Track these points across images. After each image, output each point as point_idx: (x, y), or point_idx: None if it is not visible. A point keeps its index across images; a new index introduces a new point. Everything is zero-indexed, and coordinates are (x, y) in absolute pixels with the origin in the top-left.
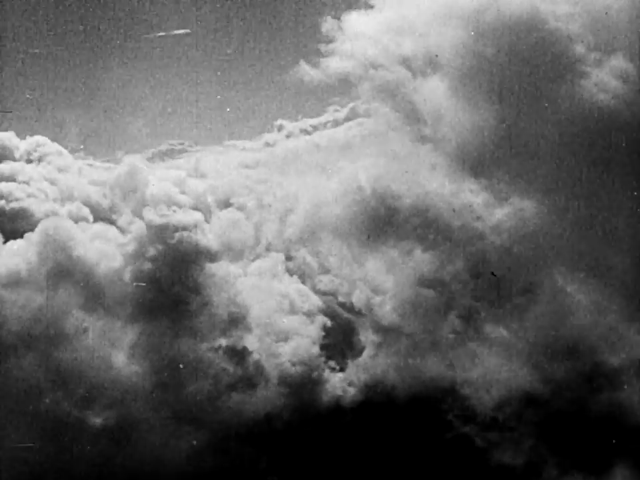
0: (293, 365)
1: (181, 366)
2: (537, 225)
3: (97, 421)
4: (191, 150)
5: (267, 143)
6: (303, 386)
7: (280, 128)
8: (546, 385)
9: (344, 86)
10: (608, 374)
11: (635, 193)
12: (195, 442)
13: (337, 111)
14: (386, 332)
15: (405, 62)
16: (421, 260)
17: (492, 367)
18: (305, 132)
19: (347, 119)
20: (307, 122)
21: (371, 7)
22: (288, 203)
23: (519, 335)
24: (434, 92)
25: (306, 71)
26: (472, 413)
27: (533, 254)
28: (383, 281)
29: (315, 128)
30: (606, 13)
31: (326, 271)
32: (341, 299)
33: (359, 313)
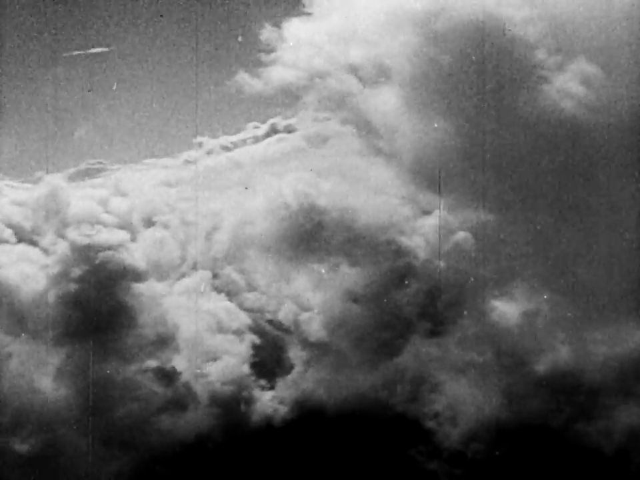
0: (223, 384)
1: (108, 389)
2: (477, 238)
3: (23, 447)
4: (110, 169)
5: (187, 161)
6: (233, 406)
7: (200, 145)
8: (515, 414)
9: (288, 97)
10: (582, 401)
11: (601, 204)
12: (123, 466)
13: (256, 127)
14: (314, 348)
15: (354, 71)
16: (349, 275)
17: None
18: (226, 149)
19: (267, 135)
20: (228, 139)
21: (309, 14)
22: (213, 221)
23: (450, 350)
24: (386, 102)
25: (246, 81)
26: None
27: (463, 269)
28: (310, 297)
29: (235, 145)
30: (567, 16)
31: (253, 288)
32: (268, 316)
33: (287, 330)
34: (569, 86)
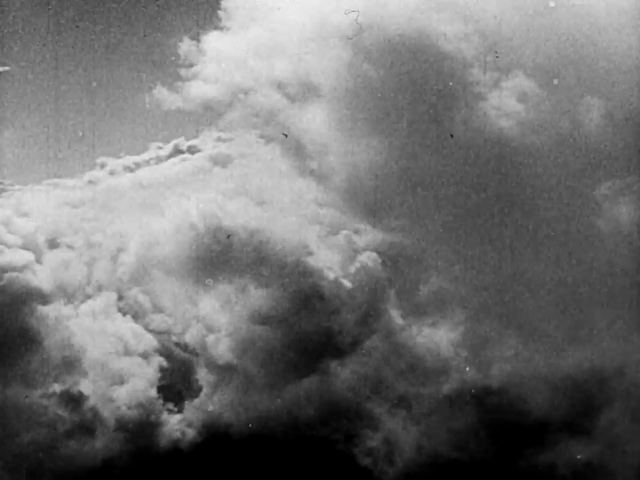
0: (130, 408)
1: (13, 415)
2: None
3: None
4: (10, 189)
5: (90, 181)
6: (140, 430)
7: (103, 165)
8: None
9: (208, 112)
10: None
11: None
12: None
13: (160, 148)
14: (222, 370)
15: (280, 86)
16: (256, 296)
17: None
18: (129, 169)
19: (171, 155)
20: (131, 159)
21: (228, 27)
22: (118, 242)
23: (358, 370)
24: (314, 120)
25: (164, 96)
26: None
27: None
28: (217, 318)
29: (138, 165)
30: (503, 31)
31: (159, 309)
32: (175, 338)
33: (194, 352)
34: (505, 103)
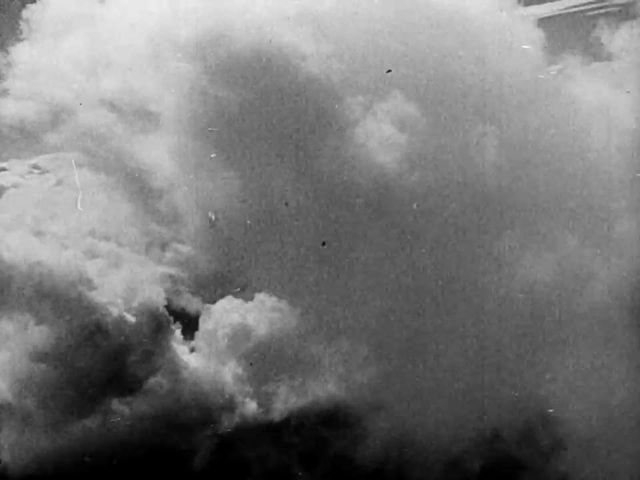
0: None
1: None
2: None
3: None
4: None
5: None
6: None
7: None
8: None
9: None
10: None
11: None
12: None
13: None
14: None
15: (110, 106)
16: (36, 333)
17: None
18: None
19: None
20: None
21: (35, 38)
22: None
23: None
24: (155, 148)
25: None
26: None
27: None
28: None
29: None
30: (377, 50)
31: None
32: None
33: None
34: (381, 130)
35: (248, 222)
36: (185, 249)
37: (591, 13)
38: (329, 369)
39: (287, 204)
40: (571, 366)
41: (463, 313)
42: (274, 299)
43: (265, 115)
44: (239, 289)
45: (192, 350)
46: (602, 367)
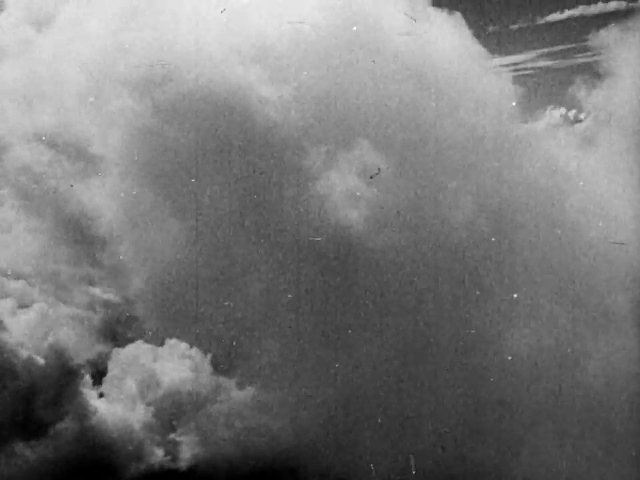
0: None
1: None
2: None
3: None
4: None
5: None
6: None
7: None
8: None
9: None
10: None
11: None
12: None
13: None
14: None
15: (47, 143)
16: None
17: None
18: None
19: None
20: None
21: None
22: None
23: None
24: (99, 193)
25: None
26: None
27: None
28: None
29: None
30: (340, 94)
31: None
32: None
33: None
34: (343, 180)
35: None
36: (97, 291)
37: (567, 63)
38: (240, 417)
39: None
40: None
41: (435, 393)
42: (185, 345)
43: (220, 161)
44: (150, 333)
45: (100, 395)
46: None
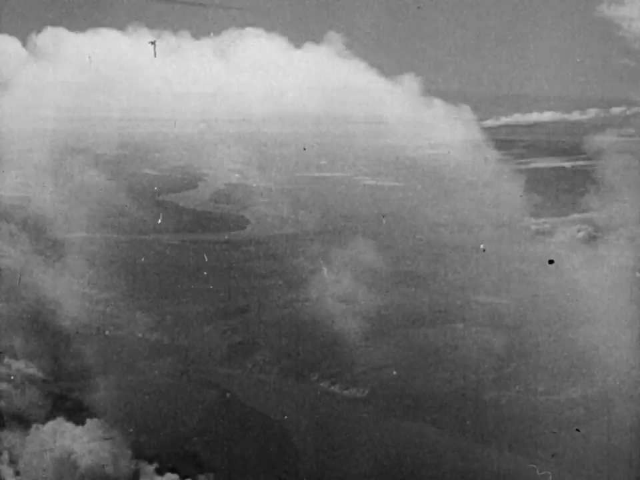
0: None
1: None
2: None
3: None
4: None
5: None
6: None
7: None
8: None
9: None
10: None
11: None
12: None
13: None
14: None
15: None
16: None
17: None
18: None
19: None
20: None
21: None
22: None
23: None
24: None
25: None
26: None
27: None
28: None
29: None
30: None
31: None
32: None
33: None
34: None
35: None
36: (19, 365)
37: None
38: None
39: None
40: None
41: None
42: (106, 425)
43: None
44: (71, 411)
45: (17, 473)
46: None
